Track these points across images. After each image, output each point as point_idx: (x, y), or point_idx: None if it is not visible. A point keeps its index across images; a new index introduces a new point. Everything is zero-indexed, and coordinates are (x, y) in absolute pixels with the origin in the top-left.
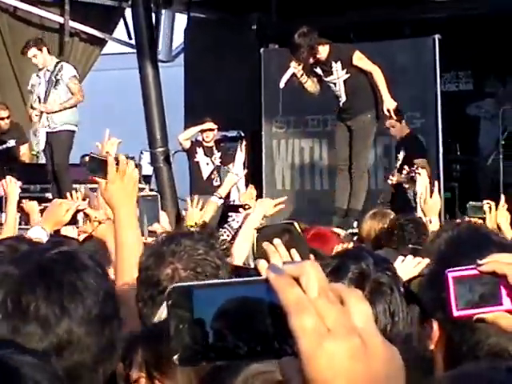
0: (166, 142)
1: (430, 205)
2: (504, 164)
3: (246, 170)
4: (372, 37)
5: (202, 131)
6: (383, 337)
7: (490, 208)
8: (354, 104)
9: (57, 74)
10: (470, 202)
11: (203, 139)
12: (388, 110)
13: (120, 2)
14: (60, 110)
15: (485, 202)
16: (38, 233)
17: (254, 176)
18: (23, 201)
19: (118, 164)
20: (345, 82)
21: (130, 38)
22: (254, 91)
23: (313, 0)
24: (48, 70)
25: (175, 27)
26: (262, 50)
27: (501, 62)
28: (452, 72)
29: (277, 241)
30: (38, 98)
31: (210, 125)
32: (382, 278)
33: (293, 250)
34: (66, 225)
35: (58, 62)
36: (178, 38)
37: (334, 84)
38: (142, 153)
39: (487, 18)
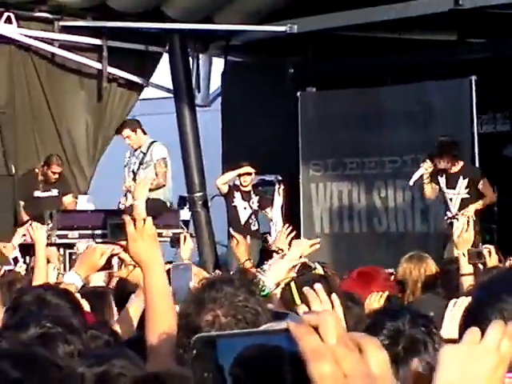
0: (203, 186)
1: (463, 239)
2: None
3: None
4: (408, 78)
5: (240, 175)
6: None
7: (490, 252)
8: None
9: (147, 155)
10: (470, 248)
11: (241, 183)
12: None
13: (157, 48)
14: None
15: (484, 246)
16: (73, 278)
17: (292, 220)
18: (32, 227)
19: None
20: (462, 199)
21: (164, 84)
22: (292, 134)
23: (348, 43)
24: (142, 152)
25: (212, 71)
26: (298, 93)
27: None
28: (489, 113)
29: (317, 286)
30: (133, 176)
31: (247, 169)
32: (417, 334)
33: (334, 296)
34: (100, 269)
35: (151, 143)
36: (215, 82)
37: (451, 199)
38: (180, 197)
39: None
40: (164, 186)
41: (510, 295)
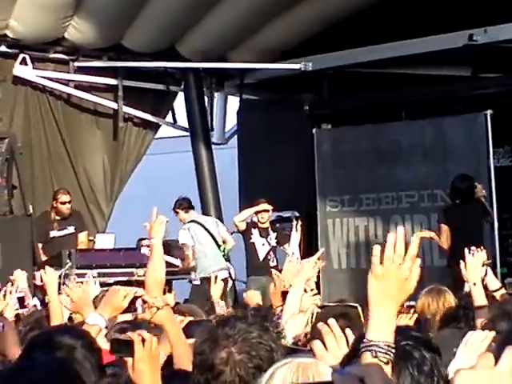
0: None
1: (469, 270)
2: None
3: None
4: (423, 114)
5: (257, 212)
6: None
7: None
8: None
9: None
10: (508, 279)
11: (258, 220)
12: None
13: (173, 87)
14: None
15: None
16: (97, 319)
17: (310, 256)
18: (44, 271)
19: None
20: None
21: (179, 122)
22: (308, 171)
23: (364, 79)
24: None
25: (228, 109)
26: (314, 130)
27: None
28: (505, 147)
29: (331, 321)
30: None
31: (264, 206)
32: (411, 347)
33: (348, 331)
34: (124, 312)
35: (189, 222)
36: (231, 120)
37: None
38: None
39: None
40: (192, 267)
41: None
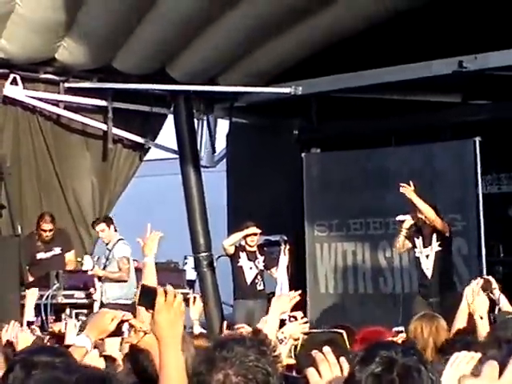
0: (209, 246)
1: (477, 303)
2: None
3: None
4: (412, 140)
5: (246, 236)
6: None
7: None
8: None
9: (112, 252)
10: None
11: (246, 243)
12: None
13: (162, 109)
14: (105, 278)
15: None
16: (83, 341)
17: (297, 280)
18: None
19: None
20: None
21: (169, 145)
22: (297, 195)
23: (353, 104)
24: (107, 249)
25: (217, 132)
26: (303, 154)
27: None
28: (493, 174)
29: (326, 349)
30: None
31: (253, 229)
32: (410, 361)
33: (342, 359)
34: (110, 335)
35: (118, 240)
36: (221, 144)
37: (427, 256)
38: (185, 258)
39: None
40: (126, 281)
41: None
